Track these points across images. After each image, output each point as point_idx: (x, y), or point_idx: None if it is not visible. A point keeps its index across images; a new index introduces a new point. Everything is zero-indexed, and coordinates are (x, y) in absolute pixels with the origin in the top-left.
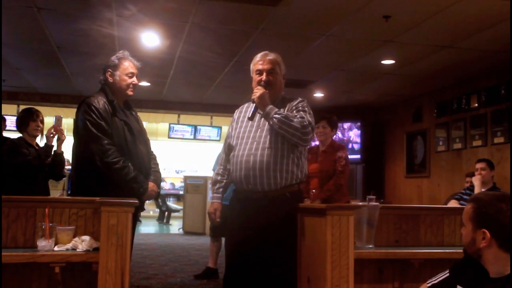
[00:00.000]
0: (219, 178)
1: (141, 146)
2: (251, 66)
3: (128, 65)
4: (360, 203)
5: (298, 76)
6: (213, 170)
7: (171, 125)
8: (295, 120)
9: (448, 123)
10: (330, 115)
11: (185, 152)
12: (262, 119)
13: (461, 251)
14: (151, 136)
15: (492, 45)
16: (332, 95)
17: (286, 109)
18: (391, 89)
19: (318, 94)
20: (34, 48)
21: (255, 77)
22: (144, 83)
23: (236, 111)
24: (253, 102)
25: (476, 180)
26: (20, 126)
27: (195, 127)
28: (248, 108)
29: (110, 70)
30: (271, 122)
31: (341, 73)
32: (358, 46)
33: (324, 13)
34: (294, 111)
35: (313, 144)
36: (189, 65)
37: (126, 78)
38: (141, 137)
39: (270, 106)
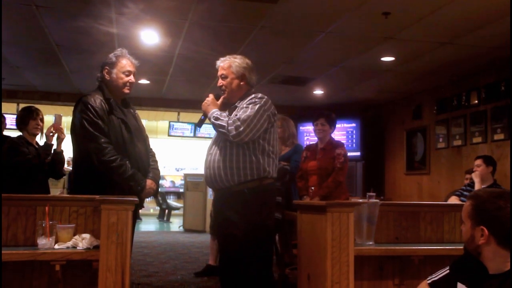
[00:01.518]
0: None
1: (139, 144)
2: None
3: (126, 63)
4: (360, 200)
5: (297, 73)
6: None
7: (171, 123)
8: (224, 119)
9: (448, 120)
10: (328, 113)
11: (185, 150)
12: None
13: (461, 247)
14: (151, 134)
15: (491, 41)
16: (332, 92)
17: (239, 107)
18: (391, 86)
19: (318, 92)
20: (33, 46)
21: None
22: (144, 81)
23: None
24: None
25: (475, 177)
26: (20, 124)
27: (195, 125)
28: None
29: (107, 67)
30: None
31: (341, 70)
32: (358, 43)
33: (324, 10)
34: (239, 110)
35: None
36: (188, 63)
37: (123, 76)
38: (140, 135)
39: (212, 111)
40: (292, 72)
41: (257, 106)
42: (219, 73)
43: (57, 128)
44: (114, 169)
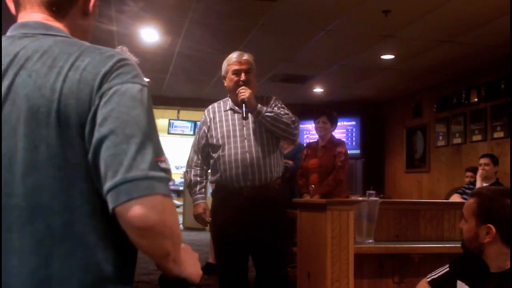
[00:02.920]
0: (199, 179)
1: None
2: (226, 66)
3: None
4: (360, 198)
5: (297, 71)
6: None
7: (171, 121)
8: (284, 117)
9: (448, 118)
10: (330, 111)
11: (185, 148)
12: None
13: (461, 245)
14: None
15: (492, 39)
16: (332, 90)
17: (267, 107)
18: (391, 84)
19: (318, 90)
20: None
21: (232, 77)
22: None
23: (209, 111)
24: (242, 102)
25: (479, 176)
26: None
27: (195, 123)
28: (221, 108)
29: None
30: (263, 120)
31: (340, 68)
32: (358, 41)
33: (324, 8)
34: (275, 109)
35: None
36: (188, 61)
37: None
38: None
39: (260, 105)
40: (292, 70)
41: (287, 109)
42: (244, 67)
43: None
44: None
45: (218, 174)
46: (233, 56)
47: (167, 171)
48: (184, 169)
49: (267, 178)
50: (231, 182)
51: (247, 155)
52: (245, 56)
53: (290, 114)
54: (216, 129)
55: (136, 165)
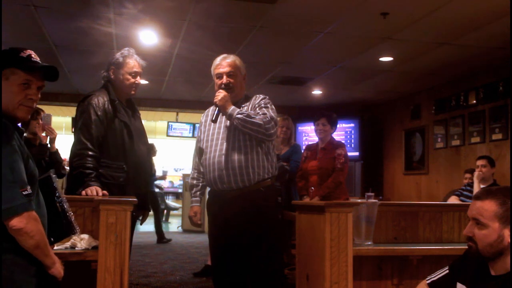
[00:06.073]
0: (195, 182)
1: (142, 147)
2: (212, 70)
3: (133, 64)
4: (359, 200)
5: (296, 73)
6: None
7: (170, 123)
8: (257, 117)
9: (446, 120)
10: (329, 113)
11: (184, 150)
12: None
13: (460, 247)
14: (149, 134)
15: (490, 41)
16: (331, 92)
17: (249, 107)
18: (390, 86)
19: (317, 92)
20: (32, 47)
21: (216, 81)
22: (143, 81)
23: (203, 115)
24: (216, 105)
25: (476, 178)
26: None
27: (194, 125)
28: (213, 112)
29: (113, 67)
30: (234, 123)
31: (339, 70)
32: (356, 43)
33: (322, 11)
34: (257, 109)
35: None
36: (187, 63)
37: (129, 77)
38: (143, 137)
39: (232, 107)
40: (291, 72)
41: (273, 107)
42: (226, 70)
43: (46, 128)
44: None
45: (205, 177)
46: (217, 60)
47: (29, 194)
48: (183, 171)
49: (245, 180)
50: (211, 185)
51: (223, 158)
52: (228, 59)
53: (269, 114)
54: (204, 132)
55: (11, 198)
